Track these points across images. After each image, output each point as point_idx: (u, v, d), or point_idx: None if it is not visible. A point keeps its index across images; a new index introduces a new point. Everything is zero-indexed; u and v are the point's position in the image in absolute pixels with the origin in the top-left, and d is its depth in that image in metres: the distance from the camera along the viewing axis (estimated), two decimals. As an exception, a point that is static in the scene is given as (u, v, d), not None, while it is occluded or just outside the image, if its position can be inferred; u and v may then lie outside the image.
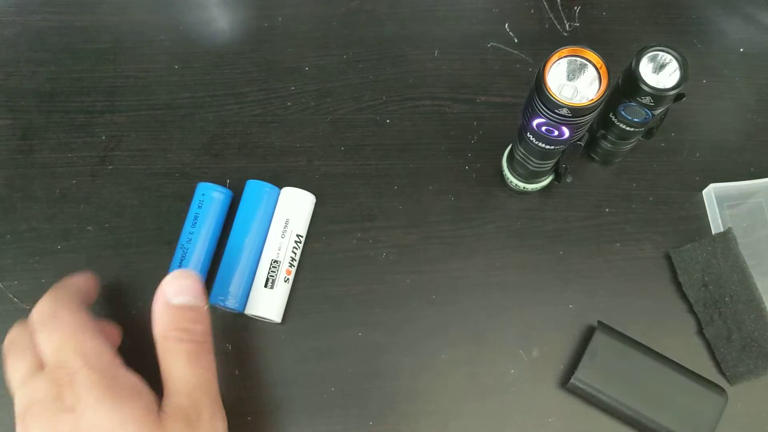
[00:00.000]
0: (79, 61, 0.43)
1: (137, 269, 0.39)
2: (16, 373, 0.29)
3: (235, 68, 0.43)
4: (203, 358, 0.30)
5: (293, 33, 0.44)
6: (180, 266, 0.37)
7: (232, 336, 0.37)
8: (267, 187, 0.38)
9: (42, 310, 0.30)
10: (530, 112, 0.31)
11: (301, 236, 0.38)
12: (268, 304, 0.36)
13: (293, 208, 0.38)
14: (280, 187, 0.39)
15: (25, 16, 0.44)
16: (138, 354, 0.38)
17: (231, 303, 0.36)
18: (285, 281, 0.37)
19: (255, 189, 0.38)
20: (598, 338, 0.36)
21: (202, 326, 0.30)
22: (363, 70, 0.44)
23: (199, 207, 0.38)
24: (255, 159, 0.41)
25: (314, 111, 0.43)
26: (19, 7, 0.45)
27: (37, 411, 0.27)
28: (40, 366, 0.29)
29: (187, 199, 0.39)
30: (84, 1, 0.45)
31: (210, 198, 0.38)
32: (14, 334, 0.31)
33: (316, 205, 0.40)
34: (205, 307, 0.31)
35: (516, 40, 0.45)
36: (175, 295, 0.30)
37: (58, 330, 0.29)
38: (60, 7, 0.45)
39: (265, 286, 0.37)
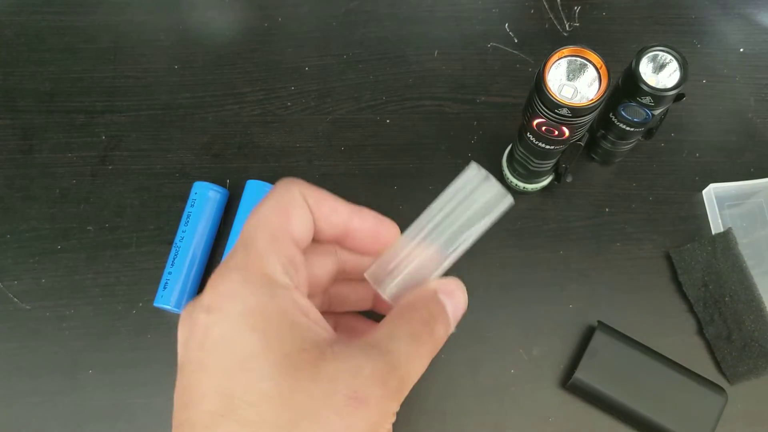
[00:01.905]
0: (79, 61, 0.43)
1: (137, 269, 0.39)
2: None
3: (235, 68, 0.43)
4: (427, 360, 0.25)
5: (293, 33, 0.44)
6: (173, 264, 0.37)
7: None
8: (267, 187, 0.38)
9: None
10: (530, 112, 0.31)
11: None
12: None
13: None
14: None
15: (25, 16, 0.44)
16: (138, 353, 0.38)
17: None
18: None
19: (255, 189, 0.38)
20: (598, 338, 0.35)
21: (443, 338, 0.25)
22: (363, 70, 0.44)
23: (192, 206, 0.38)
24: (255, 159, 0.41)
25: (314, 111, 0.43)
26: (19, 7, 0.45)
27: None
28: None
29: (186, 199, 0.39)
30: (84, 1, 0.45)
31: (203, 197, 0.38)
32: None
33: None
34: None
35: (516, 40, 0.45)
36: (448, 293, 0.26)
37: None
38: (60, 7, 0.45)
39: None
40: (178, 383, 0.22)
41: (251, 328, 0.21)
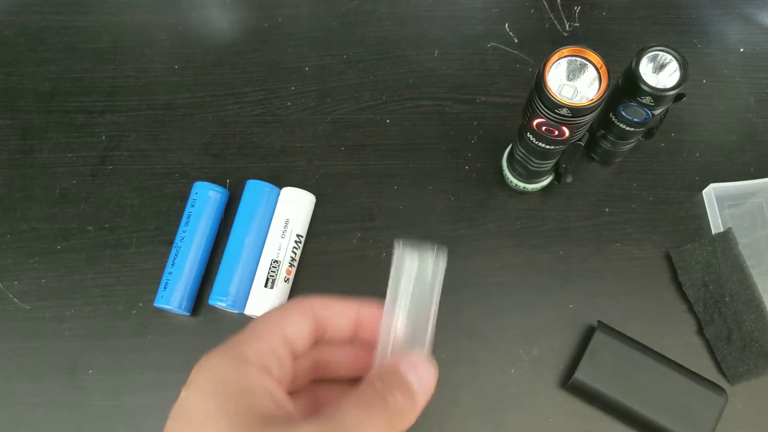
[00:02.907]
0: (79, 61, 0.43)
1: (137, 269, 0.39)
2: None
3: (235, 68, 0.43)
4: (382, 429, 0.24)
5: (293, 33, 0.44)
6: (173, 264, 0.37)
7: (232, 336, 0.37)
8: (267, 187, 0.38)
9: None
10: (530, 112, 0.31)
11: (301, 236, 0.38)
12: (268, 304, 0.36)
13: (293, 208, 0.38)
14: (280, 187, 0.39)
15: (25, 16, 0.44)
16: (138, 354, 0.38)
17: (231, 303, 0.36)
18: (285, 281, 0.37)
19: (255, 189, 0.38)
20: (598, 338, 0.35)
21: (405, 406, 0.25)
22: (363, 70, 0.44)
23: (192, 206, 0.38)
24: (255, 159, 0.41)
25: (314, 111, 0.43)
26: (19, 7, 0.45)
27: None
28: None
29: (186, 199, 0.39)
30: (84, 1, 0.45)
31: (204, 197, 0.38)
32: None
33: (316, 205, 0.40)
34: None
35: (516, 40, 0.45)
36: (420, 381, 0.26)
37: None
38: (60, 7, 0.45)
39: (266, 286, 0.37)
40: None
41: (211, 393, 0.23)
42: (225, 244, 0.38)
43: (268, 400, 0.23)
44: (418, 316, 0.27)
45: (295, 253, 0.38)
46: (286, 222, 0.38)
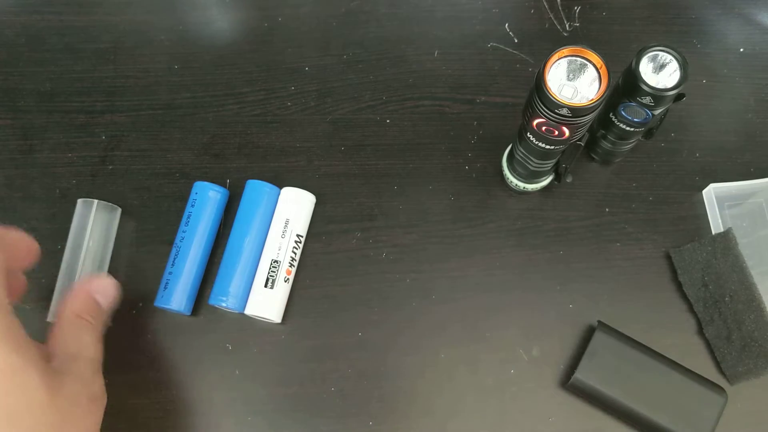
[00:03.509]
0: (79, 61, 0.43)
1: (137, 269, 0.39)
2: None
3: (235, 68, 0.43)
4: (100, 340, 0.33)
5: (293, 33, 0.44)
6: (173, 265, 0.37)
7: (232, 336, 0.38)
8: (267, 186, 0.38)
9: None
10: (530, 112, 0.31)
11: (301, 236, 0.38)
12: (268, 304, 0.36)
13: (293, 208, 0.38)
14: (280, 187, 0.39)
15: (25, 16, 0.44)
16: (138, 354, 0.38)
17: (231, 303, 0.36)
18: (285, 281, 0.37)
19: (255, 189, 0.38)
20: (598, 338, 0.36)
21: (102, 323, 0.34)
22: (363, 70, 0.44)
23: (192, 206, 0.38)
24: (255, 159, 0.41)
25: (314, 111, 0.43)
26: (19, 7, 0.45)
27: None
28: None
29: (186, 199, 0.39)
30: (84, 1, 0.45)
31: (204, 197, 0.38)
32: None
33: (316, 205, 0.40)
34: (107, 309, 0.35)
35: (516, 40, 0.45)
36: (96, 291, 0.34)
37: None
38: (60, 7, 0.45)
39: (265, 286, 0.37)
40: None
41: (6, 347, 0.28)
42: (225, 244, 0.38)
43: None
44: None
45: (295, 253, 0.38)
46: (286, 222, 0.38)
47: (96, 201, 0.38)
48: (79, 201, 0.38)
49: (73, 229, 0.38)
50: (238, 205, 0.38)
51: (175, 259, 0.37)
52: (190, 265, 0.37)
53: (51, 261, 0.39)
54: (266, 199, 0.38)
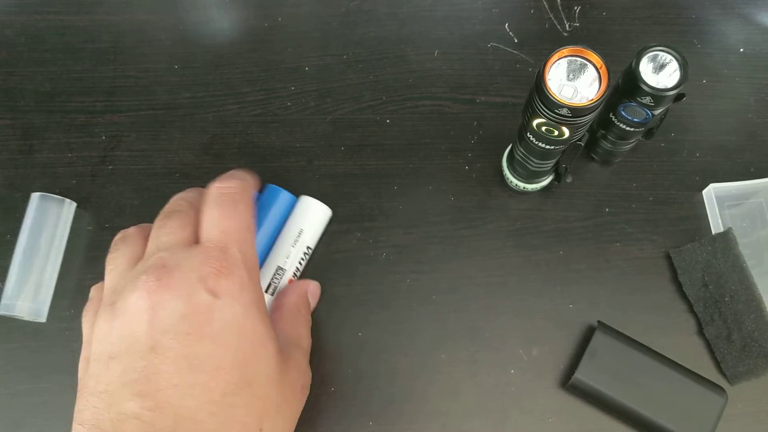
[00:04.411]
0: (79, 61, 0.43)
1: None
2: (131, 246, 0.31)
3: (235, 68, 0.43)
4: (310, 335, 0.35)
5: (293, 33, 0.44)
6: None
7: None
8: (283, 193, 0.38)
9: (229, 189, 0.31)
10: (530, 112, 0.31)
11: (311, 248, 0.38)
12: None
13: (309, 219, 0.38)
14: (296, 194, 0.39)
15: (25, 16, 0.44)
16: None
17: None
18: None
19: (272, 194, 0.38)
20: (598, 338, 0.36)
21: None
22: (363, 70, 0.44)
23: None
24: (255, 159, 0.41)
25: (314, 111, 0.43)
26: (19, 7, 0.45)
27: (176, 279, 0.27)
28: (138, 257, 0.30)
29: (187, 199, 0.39)
30: (84, 1, 0.45)
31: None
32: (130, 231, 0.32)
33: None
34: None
35: (516, 40, 0.45)
36: (310, 293, 0.37)
37: (235, 218, 0.30)
38: (60, 7, 0.45)
39: (266, 291, 0.36)
40: (168, 348, 0.26)
41: (260, 318, 0.29)
42: None
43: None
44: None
45: (301, 264, 0.38)
46: (300, 232, 0.38)
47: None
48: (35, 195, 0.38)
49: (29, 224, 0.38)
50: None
51: None
52: None
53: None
54: (280, 206, 0.38)
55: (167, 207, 0.32)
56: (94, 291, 0.33)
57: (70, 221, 0.39)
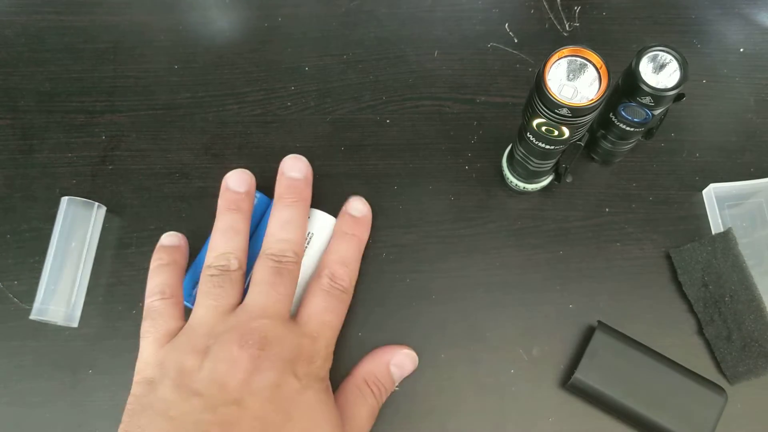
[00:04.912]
0: (79, 61, 0.43)
1: (137, 269, 0.39)
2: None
3: (235, 68, 0.43)
4: (374, 416, 0.35)
5: (293, 33, 0.45)
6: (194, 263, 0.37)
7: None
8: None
9: (341, 283, 0.35)
10: (530, 112, 0.31)
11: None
12: None
13: (316, 228, 0.38)
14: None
15: (25, 16, 0.44)
16: (138, 354, 0.38)
17: None
18: None
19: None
20: (598, 338, 0.36)
21: (385, 397, 0.36)
22: (363, 70, 0.44)
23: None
24: (255, 159, 0.41)
25: (314, 111, 0.43)
26: (19, 7, 0.45)
27: (274, 355, 0.30)
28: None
29: (187, 199, 0.39)
30: (84, 1, 0.45)
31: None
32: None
33: (316, 205, 0.40)
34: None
35: (516, 41, 0.45)
36: (395, 363, 0.36)
37: (335, 314, 0.34)
38: (60, 7, 0.45)
39: None
40: (251, 408, 0.28)
41: (334, 407, 0.31)
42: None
43: None
44: None
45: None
46: (310, 236, 0.38)
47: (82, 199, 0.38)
48: (65, 199, 0.38)
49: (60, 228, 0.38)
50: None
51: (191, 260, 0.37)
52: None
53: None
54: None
55: (276, 247, 0.34)
56: (158, 310, 0.33)
57: (101, 225, 0.39)
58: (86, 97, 0.42)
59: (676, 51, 0.33)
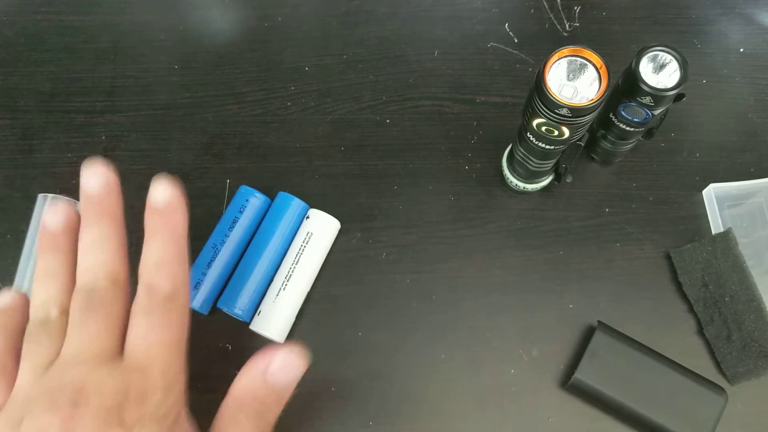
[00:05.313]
0: (79, 61, 0.43)
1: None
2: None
3: (235, 68, 0.43)
4: None
5: (293, 33, 0.45)
6: (208, 266, 0.36)
7: (233, 336, 0.37)
8: (295, 201, 0.38)
9: (159, 291, 0.28)
10: (530, 112, 0.31)
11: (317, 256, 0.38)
12: (274, 318, 0.36)
13: (320, 231, 0.38)
14: (297, 195, 0.39)
15: (25, 16, 0.44)
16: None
17: (240, 312, 0.36)
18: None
19: (284, 202, 0.38)
20: (598, 338, 0.35)
21: (278, 411, 0.30)
22: (363, 70, 0.44)
23: (240, 212, 0.37)
24: (255, 159, 0.41)
25: (314, 111, 0.43)
26: (19, 7, 0.45)
27: (93, 407, 0.24)
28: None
29: (187, 199, 0.39)
30: (84, 1, 0.45)
31: (251, 204, 0.38)
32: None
33: (317, 205, 0.40)
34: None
35: (516, 40, 0.45)
36: (277, 372, 0.29)
37: (164, 330, 0.27)
38: (60, 7, 0.45)
39: (274, 302, 0.36)
40: None
41: None
42: (244, 250, 0.38)
43: None
44: None
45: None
46: (310, 236, 0.38)
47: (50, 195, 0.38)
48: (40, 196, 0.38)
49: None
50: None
51: (211, 261, 0.37)
52: (224, 269, 0.37)
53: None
54: (291, 215, 0.38)
55: (82, 279, 0.29)
56: None
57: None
58: (86, 97, 0.42)
59: (676, 51, 0.33)
